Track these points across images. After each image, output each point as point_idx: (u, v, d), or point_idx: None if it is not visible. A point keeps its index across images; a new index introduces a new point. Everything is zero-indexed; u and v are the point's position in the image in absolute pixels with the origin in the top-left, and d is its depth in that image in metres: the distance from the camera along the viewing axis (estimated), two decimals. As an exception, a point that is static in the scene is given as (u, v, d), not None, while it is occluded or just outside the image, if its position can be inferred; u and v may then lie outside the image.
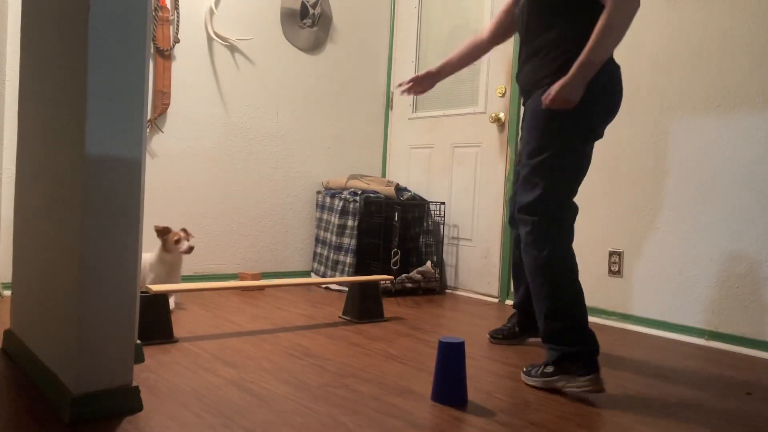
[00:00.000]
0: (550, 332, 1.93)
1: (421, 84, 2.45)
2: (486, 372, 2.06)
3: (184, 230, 2.81)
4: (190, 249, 2.75)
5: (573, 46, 1.92)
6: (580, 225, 2.19)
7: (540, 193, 1.94)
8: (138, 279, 1.60)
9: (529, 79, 2.06)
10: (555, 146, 1.94)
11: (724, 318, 2.65)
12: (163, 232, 2.75)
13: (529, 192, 1.98)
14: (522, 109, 2.43)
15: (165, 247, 2.75)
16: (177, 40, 3.38)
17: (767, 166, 2.55)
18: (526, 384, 1.96)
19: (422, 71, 2.47)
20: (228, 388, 1.75)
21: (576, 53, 1.89)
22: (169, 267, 2.78)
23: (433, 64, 4.04)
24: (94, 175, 1.42)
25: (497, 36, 2.42)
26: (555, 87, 1.85)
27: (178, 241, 2.73)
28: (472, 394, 1.80)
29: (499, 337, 2.50)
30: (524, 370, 2.01)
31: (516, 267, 2.50)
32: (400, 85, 2.49)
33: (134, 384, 1.53)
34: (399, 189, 3.76)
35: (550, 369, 1.92)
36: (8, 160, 2.89)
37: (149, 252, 2.79)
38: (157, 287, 2.27)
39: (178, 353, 2.08)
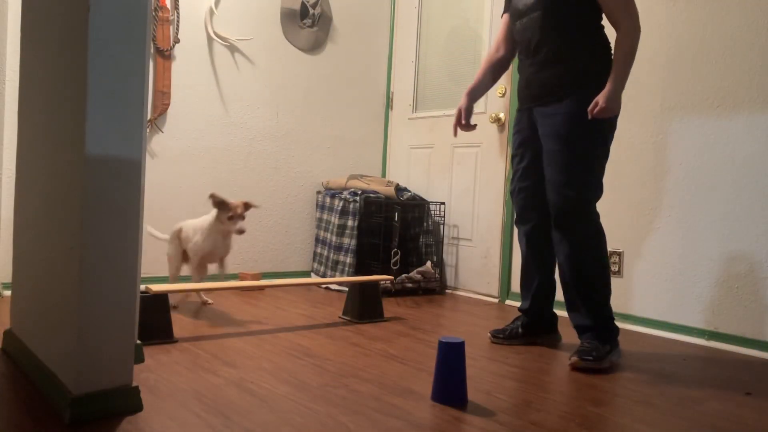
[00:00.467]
0: (608, 313, 2.24)
1: (467, 117, 2.49)
2: (486, 372, 2.06)
3: (245, 204, 2.70)
4: (241, 232, 2.67)
5: (590, 52, 2.21)
6: (580, 225, 2.22)
7: (588, 194, 2.20)
8: (138, 279, 1.59)
9: (553, 84, 2.23)
10: (597, 151, 2.20)
11: (724, 318, 2.65)
12: (220, 205, 2.65)
13: (569, 196, 2.17)
14: (521, 111, 2.45)
15: (219, 219, 2.69)
16: (177, 40, 3.38)
17: (767, 166, 2.55)
18: (596, 369, 2.11)
19: (458, 113, 2.49)
20: (228, 388, 1.75)
21: (597, 59, 2.19)
22: (216, 235, 2.74)
23: (433, 63, 4.10)
24: (94, 175, 1.42)
25: (513, 48, 2.51)
26: (603, 99, 2.08)
27: (231, 218, 2.66)
28: (472, 394, 1.80)
29: (501, 336, 2.49)
30: (586, 357, 2.12)
31: (526, 268, 2.48)
32: (456, 134, 2.55)
33: (134, 384, 1.53)
34: (399, 189, 3.76)
35: (607, 348, 2.18)
36: (8, 160, 2.89)
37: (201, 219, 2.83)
38: (157, 287, 2.27)
39: (178, 353, 2.08)
